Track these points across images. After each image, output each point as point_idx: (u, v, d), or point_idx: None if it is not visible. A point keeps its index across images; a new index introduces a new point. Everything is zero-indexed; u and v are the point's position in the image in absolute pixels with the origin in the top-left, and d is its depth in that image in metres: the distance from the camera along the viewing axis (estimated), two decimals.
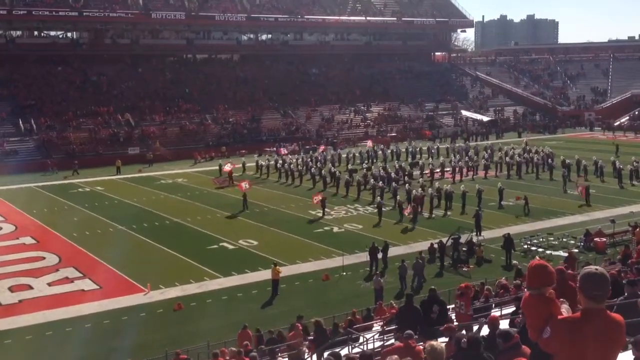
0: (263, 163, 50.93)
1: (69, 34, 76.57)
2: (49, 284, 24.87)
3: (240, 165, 51.05)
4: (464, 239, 27.88)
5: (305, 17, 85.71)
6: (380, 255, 26.13)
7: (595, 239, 28.28)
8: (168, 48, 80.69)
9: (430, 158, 52.23)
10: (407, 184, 40.17)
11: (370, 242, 27.05)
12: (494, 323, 9.38)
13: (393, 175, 43.54)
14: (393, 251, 27.42)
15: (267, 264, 25.81)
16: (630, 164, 44.66)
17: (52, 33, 75.81)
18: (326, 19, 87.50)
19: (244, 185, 39.23)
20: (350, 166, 49.08)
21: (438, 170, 47.55)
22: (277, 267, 24.15)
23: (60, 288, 24.54)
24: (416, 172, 47.29)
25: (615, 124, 76.66)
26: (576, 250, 26.86)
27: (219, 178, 48.07)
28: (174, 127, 65.32)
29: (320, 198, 36.10)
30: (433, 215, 35.34)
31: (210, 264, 27.20)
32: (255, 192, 42.70)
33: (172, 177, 50.28)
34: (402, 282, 24.17)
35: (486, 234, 30.46)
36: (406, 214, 33.72)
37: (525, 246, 28.45)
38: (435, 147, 58.27)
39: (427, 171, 47.19)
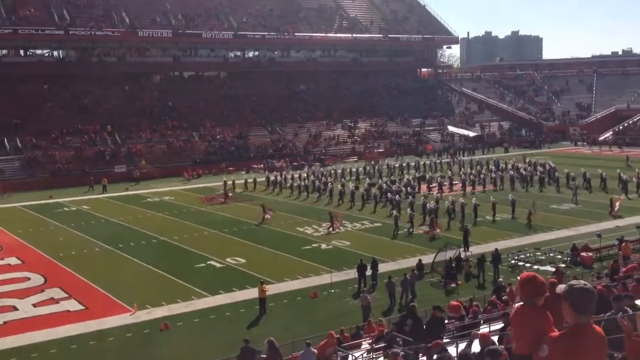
0: (272, 178, 52.06)
1: (55, 53, 76.44)
2: (34, 305, 24.56)
3: (252, 180, 51.78)
4: (451, 254, 27.85)
5: (292, 34, 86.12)
6: (369, 272, 26.10)
7: (581, 254, 28.39)
8: (155, 66, 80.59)
9: (437, 172, 53.99)
10: (423, 197, 41.21)
11: (358, 259, 27.00)
12: (485, 341, 9.37)
13: (409, 189, 44.76)
14: (381, 267, 27.34)
15: (255, 282, 25.61)
16: (636, 176, 45.84)
17: (39, 52, 75.62)
18: (313, 36, 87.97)
19: (268, 216, 38.94)
20: (368, 180, 49.80)
21: (447, 183, 48.31)
22: (264, 285, 24.01)
23: (46, 309, 24.24)
24: (424, 186, 48.48)
25: (600, 138, 77.37)
26: (563, 265, 26.95)
27: (208, 196, 48.08)
28: (160, 144, 65.14)
29: (341, 215, 37.40)
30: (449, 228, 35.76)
31: (197, 282, 26.97)
32: (243, 210, 42.68)
33: (159, 195, 50.05)
34: (391, 298, 24.13)
35: (475, 249, 30.44)
36: (438, 231, 34.28)
37: (513, 261, 28.53)
38: (438, 161, 60.16)
39: (434, 184, 48.10)
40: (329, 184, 48.14)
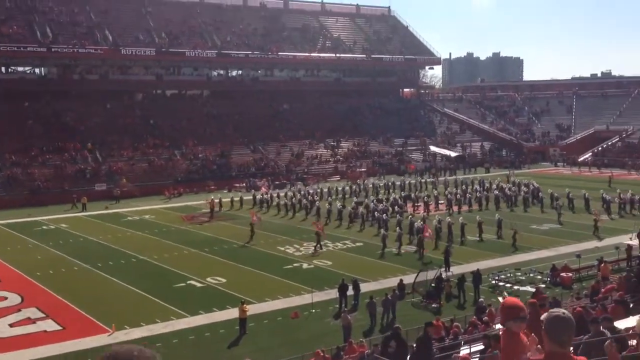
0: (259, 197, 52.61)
1: (37, 70, 75.92)
2: (11, 325, 24.13)
3: (238, 199, 52.12)
4: (432, 274, 27.85)
5: (276, 53, 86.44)
6: (352, 292, 26.00)
7: (561, 274, 28.53)
8: (137, 84, 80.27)
9: (422, 191, 54.50)
10: (410, 216, 41.53)
11: (339, 278, 26.92)
12: None
13: (396, 208, 45.13)
14: (362, 287, 27.25)
15: (235, 302, 25.40)
16: (617, 196, 46.48)
17: (20, 69, 75.07)
18: (297, 56, 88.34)
19: (255, 217, 40.61)
20: (355, 199, 50.04)
21: (432, 202, 48.60)
22: (245, 305, 23.82)
23: (22, 329, 23.81)
24: (409, 205, 48.77)
25: (579, 159, 78.18)
26: (543, 286, 27.06)
27: (190, 214, 47.94)
28: (142, 162, 64.76)
29: (319, 228, 37.15)
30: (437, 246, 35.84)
31: (177, 302, 26.69)
32: (224, 229, 42.47)
33: (139, 213, 49.65)
34: (372, 318, 24.04)
35: (456, 269, 30.47)
36: (427, 236, 34.54)
37: (494, 281, 28.59)
38: (423, 180, 60.86)
39: (420, 204, 48.40)
40: (316, 202, 48.17)
